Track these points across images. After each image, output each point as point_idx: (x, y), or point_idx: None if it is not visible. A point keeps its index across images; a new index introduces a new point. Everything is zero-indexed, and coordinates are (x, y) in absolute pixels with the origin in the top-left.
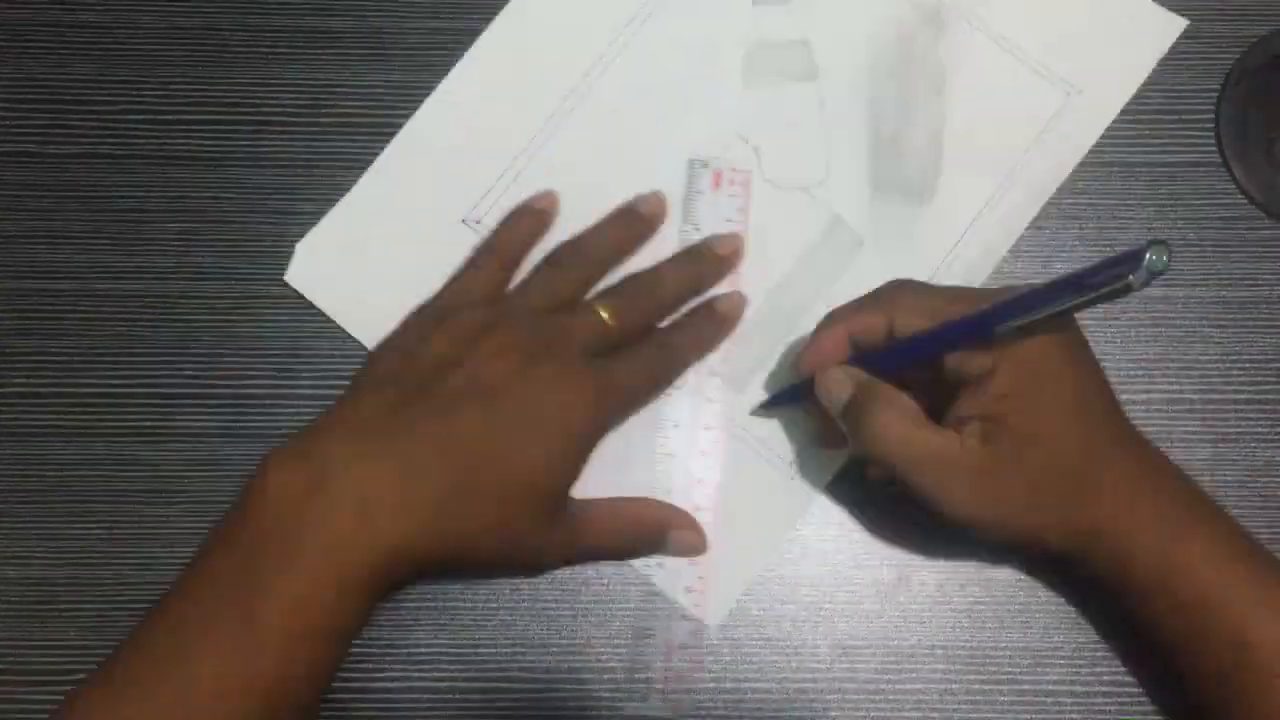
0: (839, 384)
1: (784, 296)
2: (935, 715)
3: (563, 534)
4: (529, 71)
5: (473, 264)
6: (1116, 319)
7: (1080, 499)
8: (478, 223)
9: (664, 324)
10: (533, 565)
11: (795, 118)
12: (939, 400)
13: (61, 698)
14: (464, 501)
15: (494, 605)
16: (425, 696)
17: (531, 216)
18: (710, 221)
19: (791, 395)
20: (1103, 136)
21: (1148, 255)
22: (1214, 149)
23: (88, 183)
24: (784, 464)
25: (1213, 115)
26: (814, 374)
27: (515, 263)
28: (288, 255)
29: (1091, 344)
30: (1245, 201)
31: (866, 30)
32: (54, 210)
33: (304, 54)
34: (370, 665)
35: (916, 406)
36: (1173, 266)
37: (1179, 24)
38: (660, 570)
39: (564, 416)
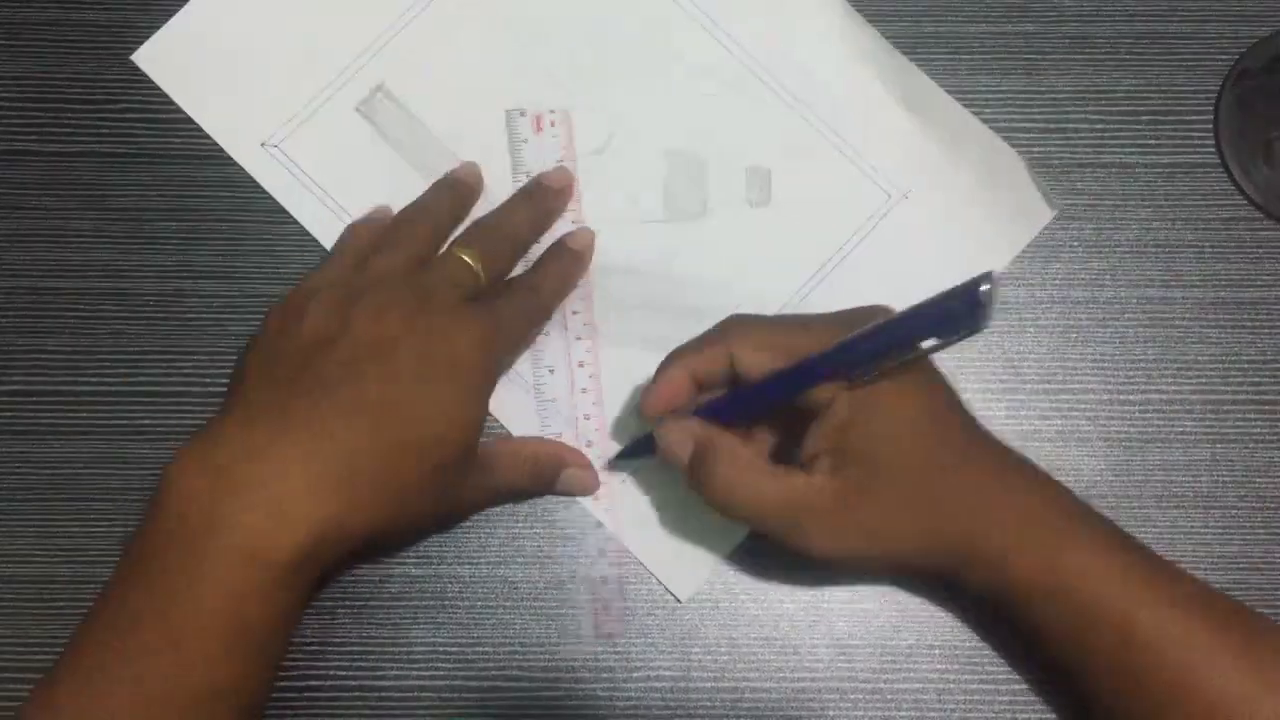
0: (678, 442)
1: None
2: (933, 714)
3: (477, 476)
4: None
5: (325, 262)
6: (1115, 319)
7: (936, 517)
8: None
9: (521, 272)
10: (456, 514)
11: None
12: (796, 433)
13: None
14: (378, 467)
15: (491, 604)
16: (424, 695)
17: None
18: (539, 165)
19: (645, 445)
20: (1102, 136)
21: (981, 289)
22: (1213, 150)
23: (87, 181)
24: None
25: (1212, 116)
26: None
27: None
28: (287, 254)
29: (1090, 345)
30: (1244, 202)
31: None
32: (53, 208)
33: None
34: (368, 664)
35: (755, 455)
36: (1172, 268)
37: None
38: (640, 537)
39: (463, 361)
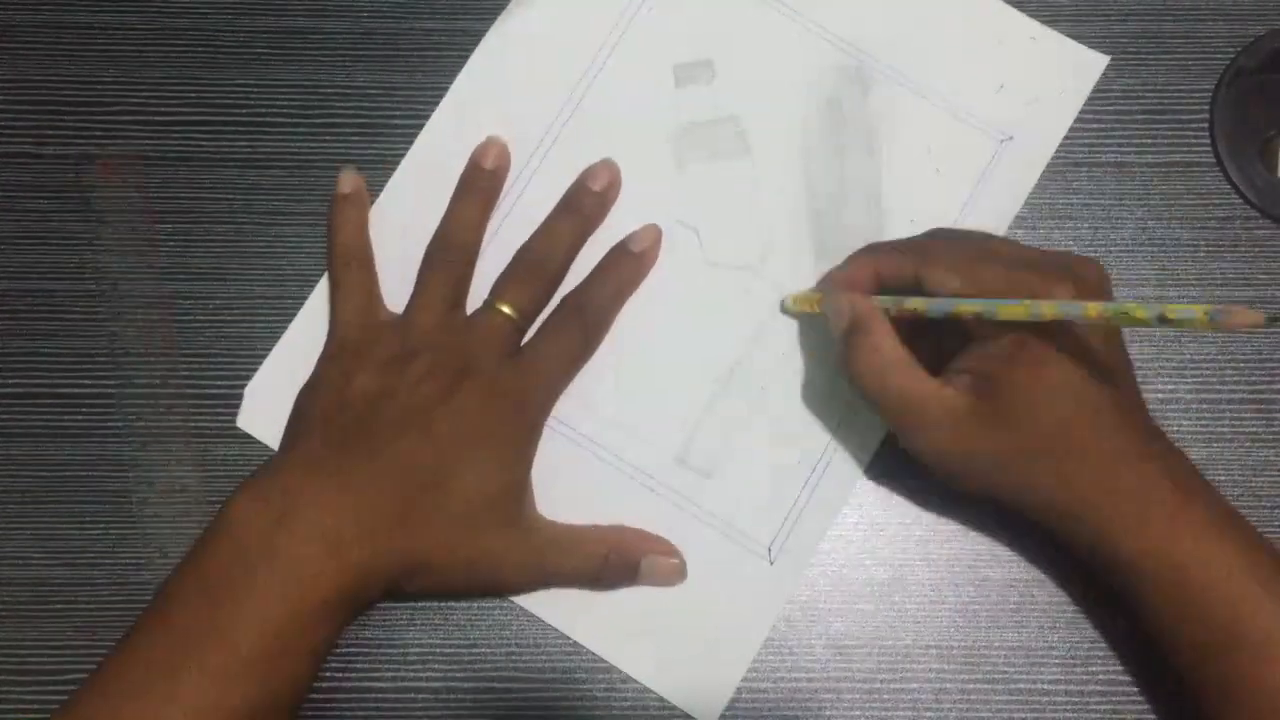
0: (838, 311)
1: (739, 377)
2: (930, 715)
3: (524, 546)
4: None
5: (341, 285)
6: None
7: (1055, 477)
8: None
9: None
10: (498, 579)
11: (730, 195)
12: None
13: (57, 697)
14: (418, 519)
15: (489, 605)
16: (420, 696)
17: (348, 203)
18: None
19: None
20: (1099, 136)
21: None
22: (1209, 149)
23: (83, 184)
24: (761, 548)
25: (1207, 115)
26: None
27: (370, 260)
28: (283, 255)
29: None
30: (1240, 201)
31: (792, 98)
32: (50, 211)
33: (297, 55)
34: (365, 665)
35: (902, 348)
36: (1168, 267)
37: (1101, 61)
38: (653, 668)
39: (498, 425)
